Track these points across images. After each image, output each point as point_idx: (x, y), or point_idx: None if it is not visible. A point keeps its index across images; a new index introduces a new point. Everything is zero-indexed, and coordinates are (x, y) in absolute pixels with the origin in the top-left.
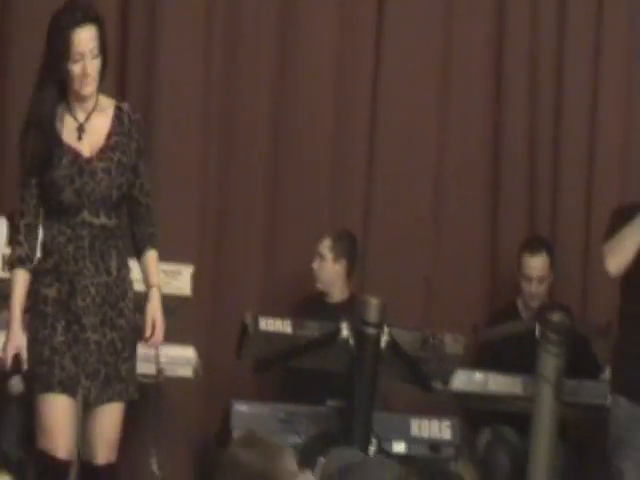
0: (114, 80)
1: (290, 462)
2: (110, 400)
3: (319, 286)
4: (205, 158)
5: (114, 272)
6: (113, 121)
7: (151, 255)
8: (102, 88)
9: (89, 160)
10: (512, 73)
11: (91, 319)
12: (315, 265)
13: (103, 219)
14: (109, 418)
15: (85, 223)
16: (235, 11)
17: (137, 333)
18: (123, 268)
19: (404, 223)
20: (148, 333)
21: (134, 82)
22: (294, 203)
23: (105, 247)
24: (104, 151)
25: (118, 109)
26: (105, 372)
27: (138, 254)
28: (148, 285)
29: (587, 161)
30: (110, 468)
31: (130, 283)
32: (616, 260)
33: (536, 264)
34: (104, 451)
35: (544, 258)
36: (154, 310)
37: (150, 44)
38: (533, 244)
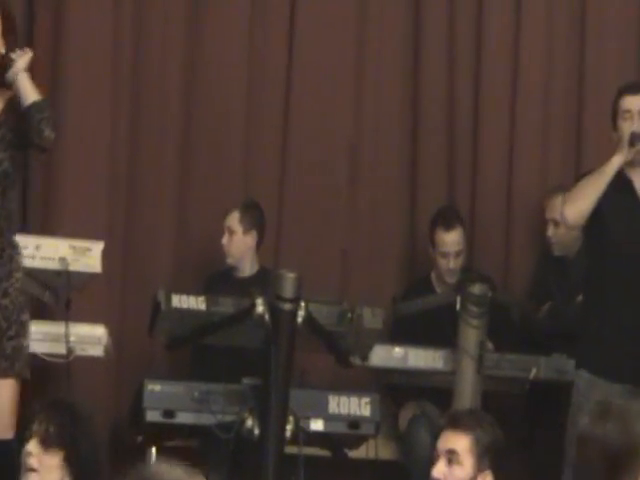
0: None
1: None
2: None
3: (230, 261)
4: (114, 133)
5: None
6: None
7: None
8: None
9: None
10: (430, 44)
11: None
12: (224, 240)
13: None
14: None
15: None
16: None
17: (25, 312)
18: (8, 248)
19: (319, 193)
20: None
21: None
22: (206, 175)
23: None
24: None
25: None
26: None
27: None
28: None
29: (507, 129)
30: (5, 445)
31: (17, 264)
32: (575, 207)
33: (451, 239)
34: None
35: (458, 232)
36: None
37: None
38: (446, 219)
